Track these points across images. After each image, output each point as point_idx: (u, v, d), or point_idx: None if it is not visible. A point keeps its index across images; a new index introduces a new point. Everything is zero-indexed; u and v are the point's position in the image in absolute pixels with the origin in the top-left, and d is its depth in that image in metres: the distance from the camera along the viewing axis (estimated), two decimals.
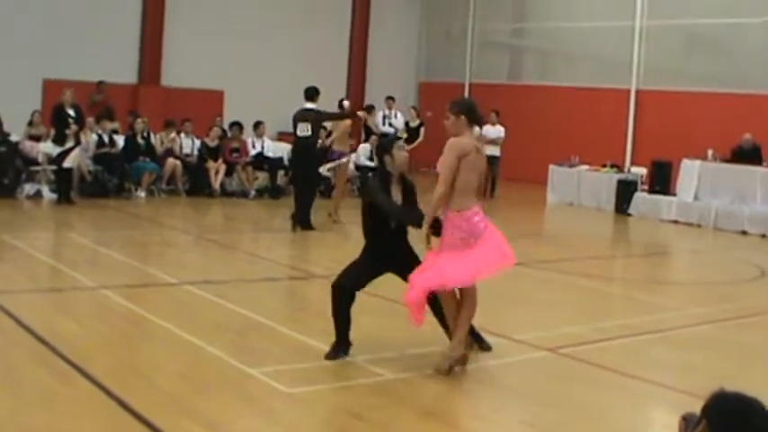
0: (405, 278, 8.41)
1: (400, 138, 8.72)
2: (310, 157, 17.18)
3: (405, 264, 8.48)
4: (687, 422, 4.19)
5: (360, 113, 21.19)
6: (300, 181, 17.58)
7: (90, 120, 20.87)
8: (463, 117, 8.44)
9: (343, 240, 16.35)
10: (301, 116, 16.98)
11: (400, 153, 8.67)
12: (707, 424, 3.46)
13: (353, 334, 8.56)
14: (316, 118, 17.00)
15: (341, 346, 8.49)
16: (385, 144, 9.07)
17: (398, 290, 8.66)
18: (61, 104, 19.25)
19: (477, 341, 9.00)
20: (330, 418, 7.23)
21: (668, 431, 7.83)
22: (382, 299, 10.17)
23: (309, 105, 17.03)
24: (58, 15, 25.21)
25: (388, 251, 8.58)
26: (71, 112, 19.27)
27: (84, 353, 8.21)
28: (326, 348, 8.52)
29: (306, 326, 8.76)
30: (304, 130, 16.88)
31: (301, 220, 16.87)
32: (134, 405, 6.87)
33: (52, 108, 19.57)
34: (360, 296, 8.64)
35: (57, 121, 19.25)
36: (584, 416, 7.52)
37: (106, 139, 20.95)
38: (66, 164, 19.10)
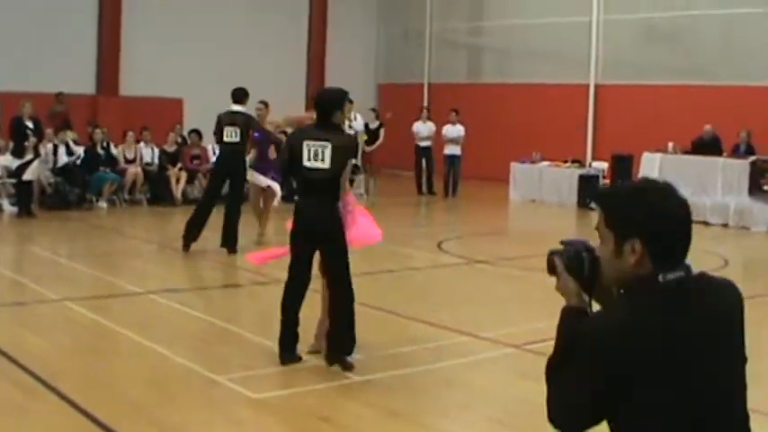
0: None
1: (347, 93, 8.45)
2: (239, 165, 15.44)
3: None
4: (565, 250, 3.29)
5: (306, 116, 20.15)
6: (229, 194, 15.47)
7: (49, 131, 20.72)
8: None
9: None
10: (229, 119, 15.31)
11: (348, 109, 8.73)
12: (603, 211, 3.11)
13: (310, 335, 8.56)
14: (246, 124, 15.32)
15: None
16: (339, 99, 8.63)
17: (367, 294, 8.66)
18: (20, 117, 19.10)
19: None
20: (298, 422, 7.22)
21: None
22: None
23: (238, 108, 15.41)
24: (13, 26, 25.02)
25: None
26: (30, 125, 19.14)
27: (49, 366, 8.15)
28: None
29: (271, 331, 8.73)
30: (232, 135, 15.16)
31: (228, 241, 15.01)
32: (101, 417, 6.83)
33: (10, 120, 19.40)
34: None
35: (15, 133, 19.11)
36: None
37: (66, 149, 20.80)
38: (26, 176, 18.95)
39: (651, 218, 2.97)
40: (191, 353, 8.77)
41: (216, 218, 15.11)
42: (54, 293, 11.53)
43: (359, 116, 25.64)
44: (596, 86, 27.87)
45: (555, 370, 3.14)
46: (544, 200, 24.41)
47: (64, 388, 7.49)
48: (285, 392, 7.80)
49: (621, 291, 3.07)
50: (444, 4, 32.71)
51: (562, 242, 3.32)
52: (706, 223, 20.20)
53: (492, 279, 13.75)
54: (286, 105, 17.70)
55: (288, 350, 8.41)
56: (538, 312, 11.36)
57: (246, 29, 29.37)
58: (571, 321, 3.14)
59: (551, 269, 3.25)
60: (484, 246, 17.42)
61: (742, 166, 20.53)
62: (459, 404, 7.76)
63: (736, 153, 21.55)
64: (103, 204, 20.77)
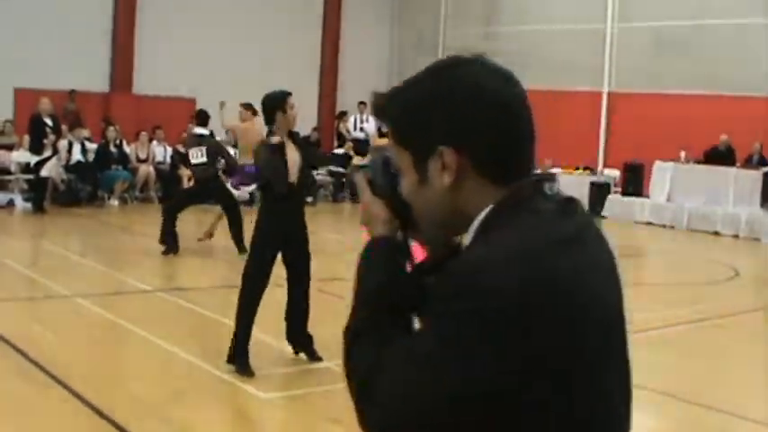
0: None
1: (288, 93, 8.41)
2: (214, 186, 15.34)
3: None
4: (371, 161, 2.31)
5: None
6: (223, 209, 15.40)
7: (64, 128, 20.80)
8: None
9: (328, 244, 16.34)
10: (194, 142, 15.44)
11: (293, 110, 8.63)
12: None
13: (328, 338, 8.57)
14: (215, 149, 15.44)
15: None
16: (277, 99, 8.60)
17: None
18: (39, 114, 19.18)
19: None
20: (308, 423, 7.23)
21: (641, 431, 7.89)
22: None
23: (200, 131, 15.55)
24: (29, 24, 25.07)
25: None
26: (48, 122, 19.22)
27: (59, 361, 8.17)
28: (302, 354, 8.53)
29: (281, 331, 8.74)
30: (198, 155, 15.13)
31: (238, 243, 14.76)
32: (110, 413, 6.86)
33: (30, 117, 19.49)
34: (331, 299, 8.66)
35: (34, 130, 19.19)
36: None
37: (81, 147, 20.87)
38: (44, 173, 19.05)
39: (467, 105, 1.90)
40: (200, 351, 8.79)
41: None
42: (65, 289, 11.56)
43: (371, 119, 25.77)
44: (609, 94, 27.84)
45: (363, 339, 1.98)
46: None
47: (73, 383, 7.52)
48: (295, 393, 7.82)
49: (478, 224, 1.89)
50: (458, 11, 32.70)
51: (369, 151, 2.45)
52: (717, 234, 20.18)
53: None
54: (299, 109, 17.63)
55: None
56: None
57: (260, 30, 29.38)
58: (388, 260, 2.01)
59: (355, 191, 2.13)
60: None
61: (754, 177, 20.52)
62: None
63: (748, 164, 21.53)
64: (115, 202, 20.83)
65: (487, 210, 1.87)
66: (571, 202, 1.93)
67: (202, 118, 15.75)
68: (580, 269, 1.81)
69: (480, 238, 1.87)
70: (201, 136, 15.45)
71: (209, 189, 15.36)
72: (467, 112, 1.89)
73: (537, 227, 1.82)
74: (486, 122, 1.89)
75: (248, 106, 16.64)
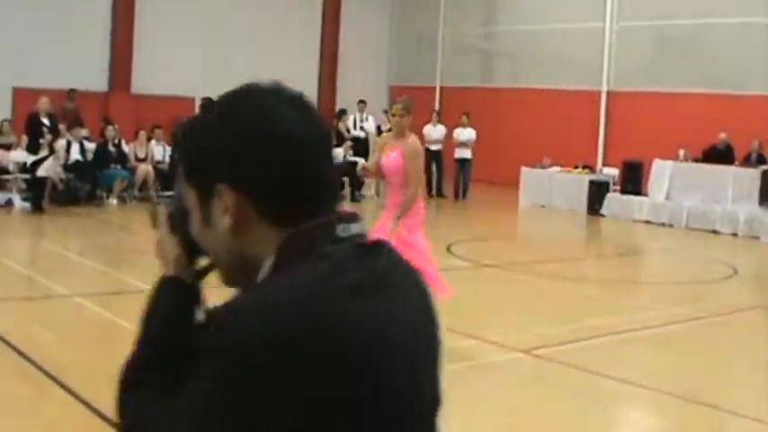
0: None
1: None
2: None
3: None
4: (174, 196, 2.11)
5: None
6: None
7: (62, 127, 20.79)
8: (410, 117, 8.88)
9: None
10: None
11: None
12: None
13: None
14: None
15: None
16: None
17: None
18: (36, 113, 19.17)
19: None
20: None
21: (642, 430, 7.90)
22: None
23: None
24: (27, 23, 25.09)
25: None
26: (46, 121, 19.22)
27: (58, 361, 8.18)
28: None
29: None
30: None
31: None
32: (109, 412, 6.85)
33: (27, 116, 19.49)
34: None
35: (31, 129, 19.18)
36: (560, 417, 7.56)
37: (79, 146, 20.87)
38: (41, 172, 19.03)
39: (246, 140, 1.71)
40: None
41: None
42: (64, 289, 11.57)
43: (371, 118, 25.80)
44: (608, 93, 27.85)
45: (136, 388, 1.82)
46: (554, 205, 24.38)
47: (72, 383, 7.52)
48: None
49: (272, 265, 1.71)
50: (457, 9, 32.71)
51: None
52: (715, 232, 20.18)
53: (500, 283, 13.75)
54: None
55: None
56: (545, 318, 11.40)
57: (259, 29, 29.40)
58: (171, 304, 1.90)
59: (155, 222, 2.06)
60: (493, 250, 17.41)
61: (753, 176, 20.50)
62: (463, 407, 7.76)
63: (747, 162, 21.54)
64: (113, 201, 20.81)
65: (274, 256, 1.70)
66: (373, 244, 1.76)
67: (211, 108, 15.46)
68: (368, 316, 1.63)
69: (254, 286, 1.70)
70: None
71: None
72: (246, 147, 1.69)
73: (316, 273, 1.63)
74: (265, 160, 1.68)
75: None
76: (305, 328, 1.55)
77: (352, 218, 1.75)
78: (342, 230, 1.71)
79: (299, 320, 1.55)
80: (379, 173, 9.38)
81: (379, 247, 1.75)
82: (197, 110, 17.93)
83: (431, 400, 1.87)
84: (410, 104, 9.04)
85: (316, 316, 1.56)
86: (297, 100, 1.76)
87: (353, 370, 1.58)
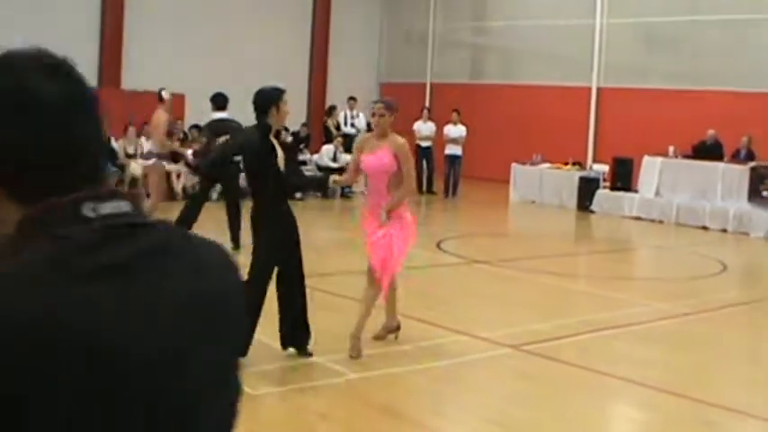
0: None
1: (283, 90, 8.49)
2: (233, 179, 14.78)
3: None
4: None
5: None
6: (231, 201, 14.93)
7: None
8: (393, 116, 8.91)
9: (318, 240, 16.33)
10: (217, 129, 14.33)
11: (286, 107, 8.67)
12: None
13: (317, 334, 8.57)
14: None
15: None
16: (274, 95, 8.66)
17: (362, 289, 8.69)
18: None
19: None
20: (295, 419, 7.24)
21: (631, 425, 7.92)
22: (343, 298, 10.17)
23: (221, 115, 14.77)
24: (15, 18, 25.00)
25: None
26: None
27: None
28: (291, 350, 8.53)
29: (270, 327, 8.72)
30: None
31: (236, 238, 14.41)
32: None
33: None
34: (323, 295, 8.66)
35: None
36: (550, 412, 7.57)
37: None
38: None
39: None
40: None
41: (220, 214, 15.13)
42: None
43: (362, 115, 25.78)
44: (598, 89, 27.89)
45: None
46: (544, 201, 24.39)
47: None
48: (282, 389, 7.81)
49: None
50: (447, 5, 32.72)
51: None
52: (705, 228, 20.22)
53: (491, 279, 13.77)
54: (288, 104, 17.61)
55: None
56: (536, 313, 11.41)
57: (249, 26, 29.37)
58: None
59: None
60: (483, 246, 17.43)
61: (742, 172, 20.54)
62: (456, 403, 7.78)
63: (736, 158, 21.58)
64: None
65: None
66: (132, 225, 1.53)
67: (221, 101, 15.02)
68: (83, 306, 1.40)
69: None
70: (222, 120, 14.54)
71: (227, 179, 14.92)
72: None
73: (40, 257, 1.43)
74: (2, 127, 1.49)
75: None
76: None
77: (110, 196, 1.54)
78: (89, 210, 1.50)
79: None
80: (356, 176, 9.42)
81: (142, 228, 1.54)
82: (187, 106, 18.02)
83: (208, 386, 1.68)
84: (393, 104, 9.01)
85: (14, 305, 1.36)
86: (53, 65, 1.61)
87: (58, 362, 1.35)
